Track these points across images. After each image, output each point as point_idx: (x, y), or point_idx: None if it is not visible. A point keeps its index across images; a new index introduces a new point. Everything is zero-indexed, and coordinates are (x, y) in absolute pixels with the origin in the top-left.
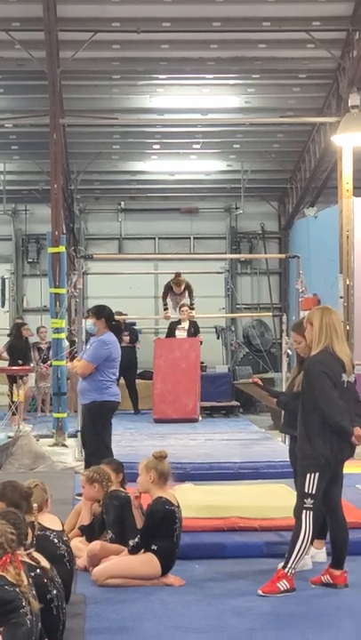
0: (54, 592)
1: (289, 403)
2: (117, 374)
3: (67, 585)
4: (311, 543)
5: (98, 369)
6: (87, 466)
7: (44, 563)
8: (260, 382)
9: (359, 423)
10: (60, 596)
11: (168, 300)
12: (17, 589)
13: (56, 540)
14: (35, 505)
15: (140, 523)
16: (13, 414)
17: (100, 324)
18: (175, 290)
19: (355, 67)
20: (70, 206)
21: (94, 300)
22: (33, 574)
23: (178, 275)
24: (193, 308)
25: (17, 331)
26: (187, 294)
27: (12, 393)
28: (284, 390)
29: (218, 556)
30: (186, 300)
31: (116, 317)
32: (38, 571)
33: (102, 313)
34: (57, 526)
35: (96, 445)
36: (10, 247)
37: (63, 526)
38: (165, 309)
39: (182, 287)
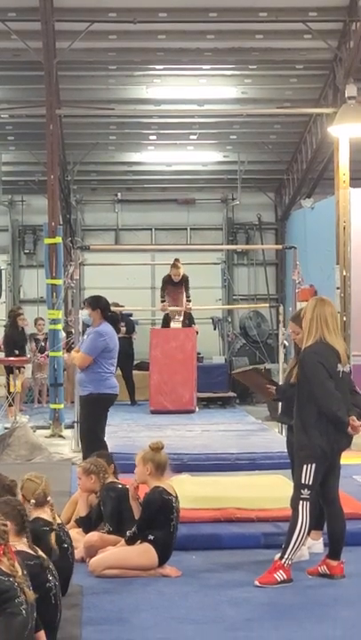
0: (52, 581)
1: (287, 390)
2: (115, 365)
3: (66, 576)
4: (308, 534)
5: (95, 361)
6: (84, 458)
7: (41, 552)
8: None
9: (355, 413)
10: (57, 586)
11: (166, 295)
12: (11, 579)
13: (61, 534)
14: (33, 500)
15: (137, 514)
16: (10, 405)
17: (96, 314)
18: (173, 275)
19: (352, 57)
20: (67, 197)
21: (91, 290)
22: (32, 563)
23: (177, 260)
24: (190, 301)
25: (13, 320)
26: (183, 289)
27: (8, 384)
28: (280, 383)
29: (215, 547)
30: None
31: (113, 308)
32: (37, 560)
33: (98, 304)
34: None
35: (89, 437)
36: (6, 238)
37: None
38: (163, 301)
39: (180, 273)
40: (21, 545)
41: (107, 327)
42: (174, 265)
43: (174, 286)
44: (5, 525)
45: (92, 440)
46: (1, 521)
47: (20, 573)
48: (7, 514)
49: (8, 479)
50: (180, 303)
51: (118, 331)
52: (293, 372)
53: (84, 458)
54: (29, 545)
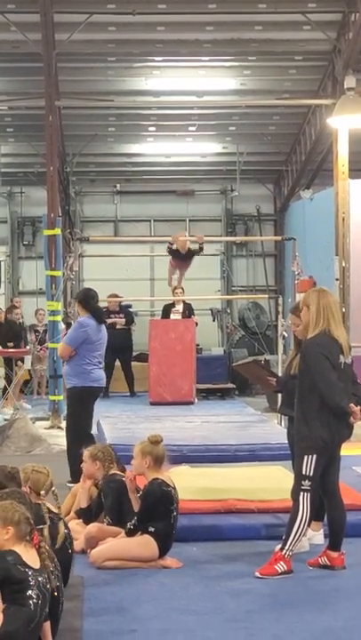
0: (55, 573)
1: (288, 382)
2: (102, 358)
3: (66, 567)
4: (309, 525)
5: (79, 353)
6: (68, 452)
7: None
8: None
9: (354, 401)
10: (60, 579)
11: (173, 275)
12: (28, 571)
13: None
14: (43, 492)
15: (136, 506)
16: (6, 398)
17: (79, 306)
18: (180, 248)
19: (350, 48)
20: (66, 189)
21: (90, 282)
22: (24, 570)
23: (181, 232)
24: (202, 249)
25: (5, 314)
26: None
27: (8, 376)
28: (280, 374)
29: (215, 539)
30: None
31: (112, 299)
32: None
33: (78, 296)
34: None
35: (74, 430)
36: (5, 230)
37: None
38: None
39: (186, 247)
40: (20, 549)
41: (89, 319)
42: (177, 239)
43: (182, 259)
44: (29, 518)
45: (76, 433)
46: (23, 513)
47: (39, 566)
48: (10, 519)
49: (8, 467)
50: (184, 271)
51: (101, 322)
52: (293, 363)
53: (69, 450)
54: (30, 550)
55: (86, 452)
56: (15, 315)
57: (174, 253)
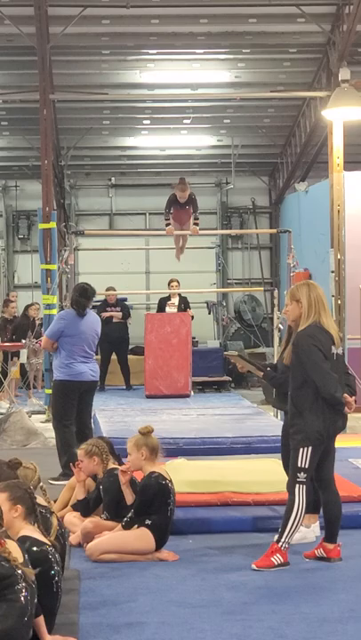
0: (57, 568)
1: (276, 377)
2: (89, 351)
3: (61, 559)
4: (304, 517)
5: (60, 346)
6: (56, 445)
7: (46, 539)
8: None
9: (347, 391)
10: (60, 573)
11: (171, 218)
12: (13, 565)
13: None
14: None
15: (130, 499)
16: (1, 391)
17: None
18: (179, 196)
19: (345, 41)
20: (61, 182)
21: (86, 275)
22: (39, 549)
23: (182, 180)
24: (197, 224)
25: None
26: (191, 210)
27: (4, 370)
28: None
29: (211, 531)
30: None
31: (108, 293)
32: (44, 547)
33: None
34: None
35: (56, 423)
36: (0, 223)
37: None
38: (168, 224)
39: (187, 195)
40: (29, 530)
41: (69, 312)
42: (180, 188)
43: (181, 207)
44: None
45: (57, 426)
46: (30, 492)
47: (21, 560)
48: (19, 497)
49: (6, 461)
50: (187, 227)
51: (81, 314)
52: (286, 353)
53: (56, 443)
54: (40, 530)
55: (80, 451)
56: (11, 308)
57: (174, 201)
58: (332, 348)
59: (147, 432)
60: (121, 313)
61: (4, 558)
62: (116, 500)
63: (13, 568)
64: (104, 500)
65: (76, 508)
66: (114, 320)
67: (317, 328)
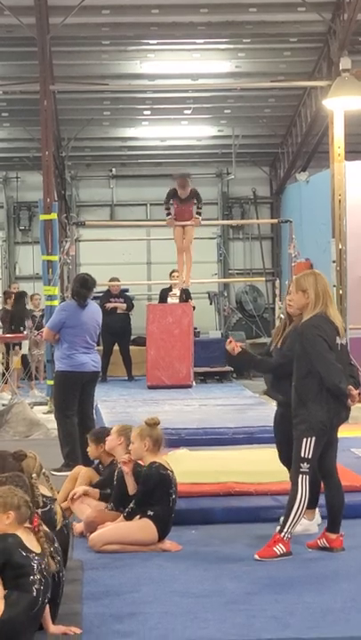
0: (57, 559)
1: (271, 369)
2: (91, 342)
3: (64, 550)
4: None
5: (62, 337)
6: (58, 436)
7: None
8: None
9: (351, 383)
10: (61, 563)
11: (172, 210)
12: (30, 555)
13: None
14: (34, 475)
15: (131, 490)
16: (5, 382)
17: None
18: (180, 193)
19: (346, 30)
20: (62, 173)
21: (87, 266)
22: (27, 555)
23: (182, 180)
24: (200, 214)
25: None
26: (194, 201)
27: (7, 361)
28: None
29: (214, 521)
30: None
31: (111, 283)
32: (33, 554)
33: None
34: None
35: (57, 414)
36: (1, 215)
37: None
38: (168, 214)
39: (188, 190)
40: (23, 535)
41: (70, 303)
42: (181, 184)
43: (182, 203)
44: (28, 502)
45: (59, 417)
46: (22, 497)
47: (40, 550)
48: (10, 504)
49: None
50: (188, 220)
51: (82, 305)
52: (276, 339)
53: (58, 434)
54: (37, 535)
55: (116, 427)
56: (35, 300)
57: (174, 195)
58: (337, 338)
59: (153, 424)
60: (125, 304)
61: (25, 547)
62: (122, 490)
63: (30, 558)
64: (113, 490)
65: (106, 497)
66: (118, 311)
67: (323, 318)
